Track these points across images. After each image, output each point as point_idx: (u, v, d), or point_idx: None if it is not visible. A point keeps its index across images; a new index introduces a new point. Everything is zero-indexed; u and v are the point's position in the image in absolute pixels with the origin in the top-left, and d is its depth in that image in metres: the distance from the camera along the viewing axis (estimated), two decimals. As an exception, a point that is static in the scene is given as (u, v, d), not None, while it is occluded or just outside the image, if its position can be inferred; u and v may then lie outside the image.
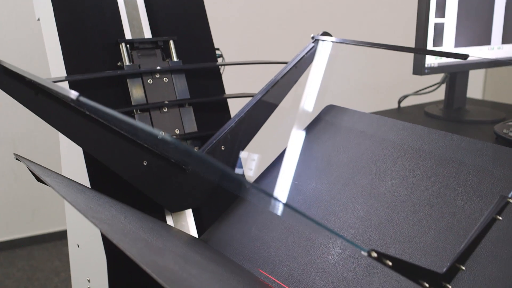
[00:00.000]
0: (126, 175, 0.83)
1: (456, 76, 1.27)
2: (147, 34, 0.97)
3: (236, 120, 0.90)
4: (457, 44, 1.17)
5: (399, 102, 1.46)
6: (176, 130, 0.93)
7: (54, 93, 0.70)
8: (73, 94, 0.50)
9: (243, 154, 0.93)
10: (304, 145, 0.96)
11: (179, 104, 0.95)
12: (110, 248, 0.84)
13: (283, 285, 0.74)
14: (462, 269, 0.58)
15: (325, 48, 1.01)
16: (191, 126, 0.95)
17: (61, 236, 2.32)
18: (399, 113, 1.40)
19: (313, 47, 1.00)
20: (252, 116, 0.92)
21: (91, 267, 0.91)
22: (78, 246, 0.97)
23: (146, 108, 0.91)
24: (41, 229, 2.31)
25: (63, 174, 1.02)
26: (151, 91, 0.92)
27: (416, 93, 1.45)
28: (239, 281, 0.66)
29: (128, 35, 0.94)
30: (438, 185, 0.75)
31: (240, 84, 1.25)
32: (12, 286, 1.94)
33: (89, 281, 0.93)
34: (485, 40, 1.23)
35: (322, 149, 0.92)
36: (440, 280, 0.56)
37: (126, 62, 0.91)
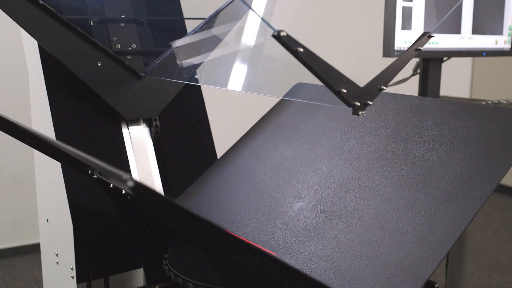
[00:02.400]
0: (80, 74, 0.84)
1: (429, 65, 1.29)
2: None
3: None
4: (426, 30, 1.19)
5: (376, 95, 1.47)
6: (132, 45, 0.94)
7: None
8: None
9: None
10: (274, 119, 0.96)
11: (137, 21, 0.96)
12: (77, 220, 0.84)
13: (247, 240, 0.74)
14: (383, 89, 0.56)
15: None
16: (147, 42, 0.97)
17: (44, 248, 2.28)
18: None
19: None
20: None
21: (59, 240, 0.91)
22: (47, 221, 0.96)
23: (103, 20, 0.92)
24: (23, 240, 2.28)
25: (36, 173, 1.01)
26: (108, 5, 0.94)
27: (399, 82, 1.47)
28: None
29: None
30: (400, 140, 0.75)
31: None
32: (-10, 295, 1.90)
33: (57, 255, 0.92)
34: (455, 28, 1.26)
35: (290, 121, 0.93)
36: (360, 94, 0.53)
37: None
